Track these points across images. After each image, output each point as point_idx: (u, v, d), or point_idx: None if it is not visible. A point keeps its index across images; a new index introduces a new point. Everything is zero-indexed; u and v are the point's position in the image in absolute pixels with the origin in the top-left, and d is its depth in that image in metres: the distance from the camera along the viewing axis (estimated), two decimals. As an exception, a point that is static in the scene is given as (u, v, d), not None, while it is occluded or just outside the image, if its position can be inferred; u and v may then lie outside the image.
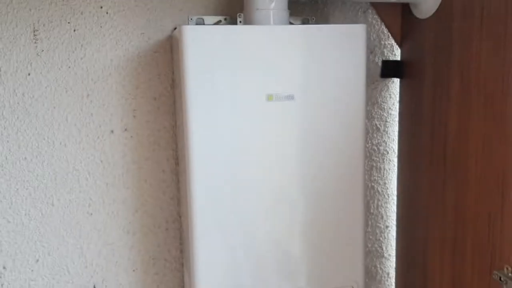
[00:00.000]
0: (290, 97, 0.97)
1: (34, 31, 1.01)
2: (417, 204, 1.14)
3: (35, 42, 1.02)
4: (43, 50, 1.02)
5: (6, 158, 1.03)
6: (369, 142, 1.23)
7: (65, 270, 1.09)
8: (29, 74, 1.02)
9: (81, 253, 1.09)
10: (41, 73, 1.03)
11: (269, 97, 0.96)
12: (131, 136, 1.09)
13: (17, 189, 1.04)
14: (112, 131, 1.08)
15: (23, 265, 1.06)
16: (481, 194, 0.90)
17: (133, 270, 1.13)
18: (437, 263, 1.05)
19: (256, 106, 0.96)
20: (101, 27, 1.04)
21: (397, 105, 1.23)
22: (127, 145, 1.09)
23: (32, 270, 1.07)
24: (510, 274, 0.81)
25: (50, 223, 1.07)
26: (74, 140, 1.06)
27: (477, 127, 0.90)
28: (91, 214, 1.09)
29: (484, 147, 0.89)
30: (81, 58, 1.04)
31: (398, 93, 1.22)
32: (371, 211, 1.26)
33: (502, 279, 0.82)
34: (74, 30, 1.03)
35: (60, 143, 1.05)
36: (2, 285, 1.06)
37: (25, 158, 1.04)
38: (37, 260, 1.07)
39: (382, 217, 1.27)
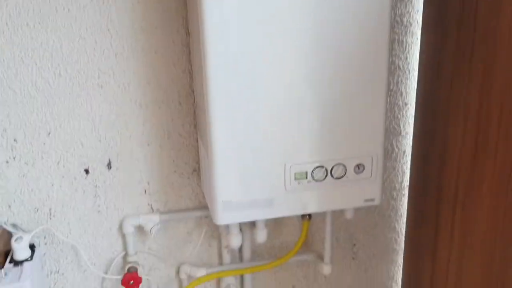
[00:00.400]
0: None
1: None
2: (440, 76, 1.09)
3: None
4: None
5: (7, 24, 0.96)
6: (392, 12, 1.15)
7: (79, 143, 1.07)
8: None
9: (93, 127, 1.06)
10: None
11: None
12: (138, 2, 1.01)
13: (22, 58, 0.99)
14: (117, -4, 1.00)
15: (34, 137, 1.04)
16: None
17: (148, 145, 1.11)
18: (459, 134, 1.03)
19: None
20: None
21: (424, -29, 1.13)
22: (134, 12, 1.01)
23: (44, 143, 1.05)
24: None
25: (59, 94, 1.03)
26: (78, 4, 0.98)
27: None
28: (101, 86, 1.04)
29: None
30: None
31: (426, -42, 1.12)
32: (391, 87, 1.21)
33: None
34: None
35: (63, 8, 0.98)
36: (14, 157, 1.04)
37: (27, 24, 0.97)
38: (49, 133, 1.05)
39: (401, 94, 1.22)
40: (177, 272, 1.23)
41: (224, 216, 1.01)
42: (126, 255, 1.16)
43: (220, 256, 1.26)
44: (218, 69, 0.91)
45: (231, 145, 0.97)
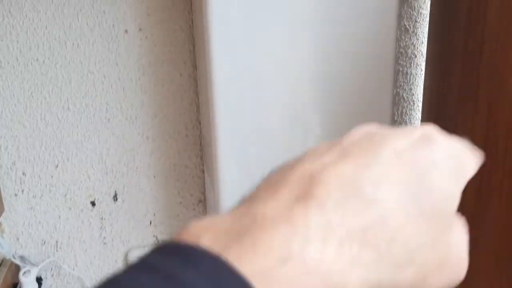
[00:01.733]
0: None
1: None
2: (445, 110, 1.09)
3: None
4: None
5: (17, 59, 0.98)
6: (397, 44, 1.16)
7: (86, 176, 1.08)
8: (33, -31, 0.94)
9: (100, 159, 1.07)
10: (46, -34, 0.95)
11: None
12: (146, 37, 1.02)
13: (31, 93, 1.00)
14: (126, 31, 1.01)
15: (42, 170, 1.05)
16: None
17: (154, 177, 1.11)
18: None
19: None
20: None
21: (428, 4, 1.14)
22: (142, 46, 1.03)
23: (52, 176, 1.06)
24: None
25: (67, 128, 1.04)
26: (87, 40, 1.00)
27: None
28: (109, 119, 1.05)
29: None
30: (89, -50, 0.96)
31: (430, -9, 1.13)
32: (395, 118, 1.21)
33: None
34: None
35: (73, 44, 0.99)
36: (23, 191, 1.05)
37: (37, 59, 0.98)
38: (57, 166, 1.05)
39: (406, 125, 1.23)
40: (183, 303, 1.22)
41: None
42: None
43: None
44: (223, 103, 0.92)
45: (238, 177, 0.97)
